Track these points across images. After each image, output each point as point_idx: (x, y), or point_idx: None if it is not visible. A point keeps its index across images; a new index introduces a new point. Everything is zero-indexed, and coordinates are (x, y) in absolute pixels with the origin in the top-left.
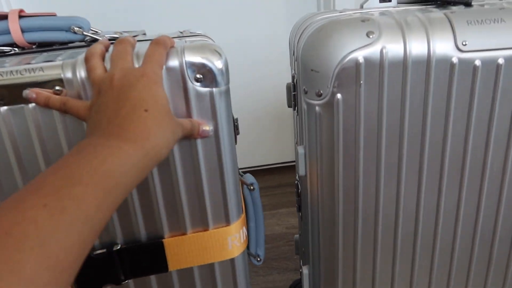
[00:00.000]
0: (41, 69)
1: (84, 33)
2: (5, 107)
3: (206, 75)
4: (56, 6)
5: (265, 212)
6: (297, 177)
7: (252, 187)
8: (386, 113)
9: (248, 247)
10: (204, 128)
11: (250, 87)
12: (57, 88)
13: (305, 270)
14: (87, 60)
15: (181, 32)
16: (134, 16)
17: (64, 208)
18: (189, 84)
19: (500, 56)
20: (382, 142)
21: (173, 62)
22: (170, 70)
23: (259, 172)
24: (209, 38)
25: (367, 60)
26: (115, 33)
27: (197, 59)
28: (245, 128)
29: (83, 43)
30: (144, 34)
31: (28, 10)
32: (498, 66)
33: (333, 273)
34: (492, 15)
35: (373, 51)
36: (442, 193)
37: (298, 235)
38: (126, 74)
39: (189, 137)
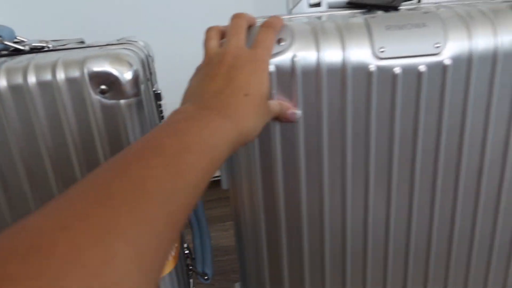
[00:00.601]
0: None
1: (5, 42)
2: None
3: (112, 86)
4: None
5: (230, 222)
6: None
7: None
8: (303, 123)
9: (195, 265)
10: (291, 111)
11: None
12: None
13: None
14: (207, 30)
15: (117, 40)
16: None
17: (181, 173)
18: (92, 96)
19: (422, 63)
20: (300, 153)
21: (73, 73)
22: (70, 81)
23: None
24: (140, 47)
25: (278, 68)
26: (41, 41)
27: (100, 68)
28: None
29: (6, 52)
30: (82, 42)
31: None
32: (420, 74)
33: None
34: (414, 19)
35: (284, 59)
36: (369, 208)
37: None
38: (238, 54)
39: (275, 120)
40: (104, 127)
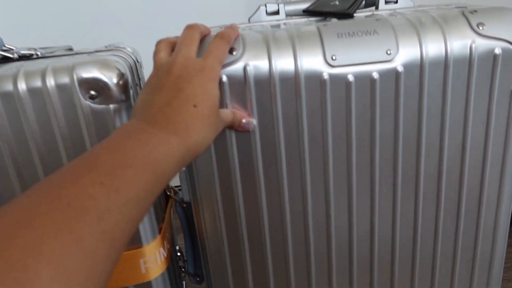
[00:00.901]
0: None
1: None
2: None
3: (101, 92)
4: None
5: None
6: None
7: (184, 204)
8: (258, 132)
9: (187, 267)
10: (245, 120)
11: None
12: None
13: None
14: (157, 42)
15: (105, 47)
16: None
17: (119, 189)
18: (82, 101)
19: (374, 70)
20: (258, 162)
21: (63, 79)
22: (60, 87)
23: None
24: (128, 53)
25: (230, 78)
26: (29, 49)
27: (89, 74)
28: None
29: None
30: (70, 49)
31: None
32: (372, 80)
33: None
34: (366, 26)
35: (236, 68)
36: (331, 214)
37: None
38: (186, 64)
39: (229, 128)
40: (94, 131)
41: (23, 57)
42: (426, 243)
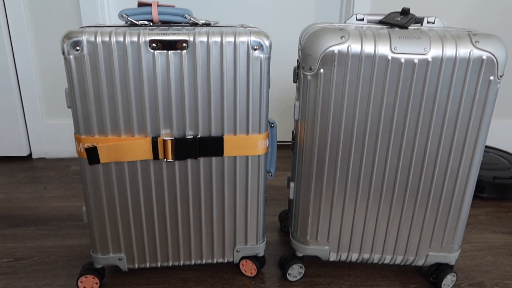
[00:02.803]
0: (178, 34)
1: (191, 18)
2: (158, 51)
3: (259, 47)
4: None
5: (280, 171)
6: (294, 123)
7: (272, 125)
8: (348, 83)
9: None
10: None
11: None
12: None
13: (291, 184)
14: None
15: (241, 25)
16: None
17: None
18: (251, 51)
19: (415, 58)
20: (344, 102)
21: (244, 39)
22: (242, 43)
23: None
24: (259, 28)
25: (339, 52)
26: (206, 20)
27: (256, 38)
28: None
29: (188, 24)
30: (217, 22)
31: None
32: (414, 64)
33: (309, 185)
34: (414, 34)
35: (343, 47)
36: (377, 148)
37: (290, 174)
38: None
39: None
40: (252, 68)
41: (204, 24)
42: (426, 171)
